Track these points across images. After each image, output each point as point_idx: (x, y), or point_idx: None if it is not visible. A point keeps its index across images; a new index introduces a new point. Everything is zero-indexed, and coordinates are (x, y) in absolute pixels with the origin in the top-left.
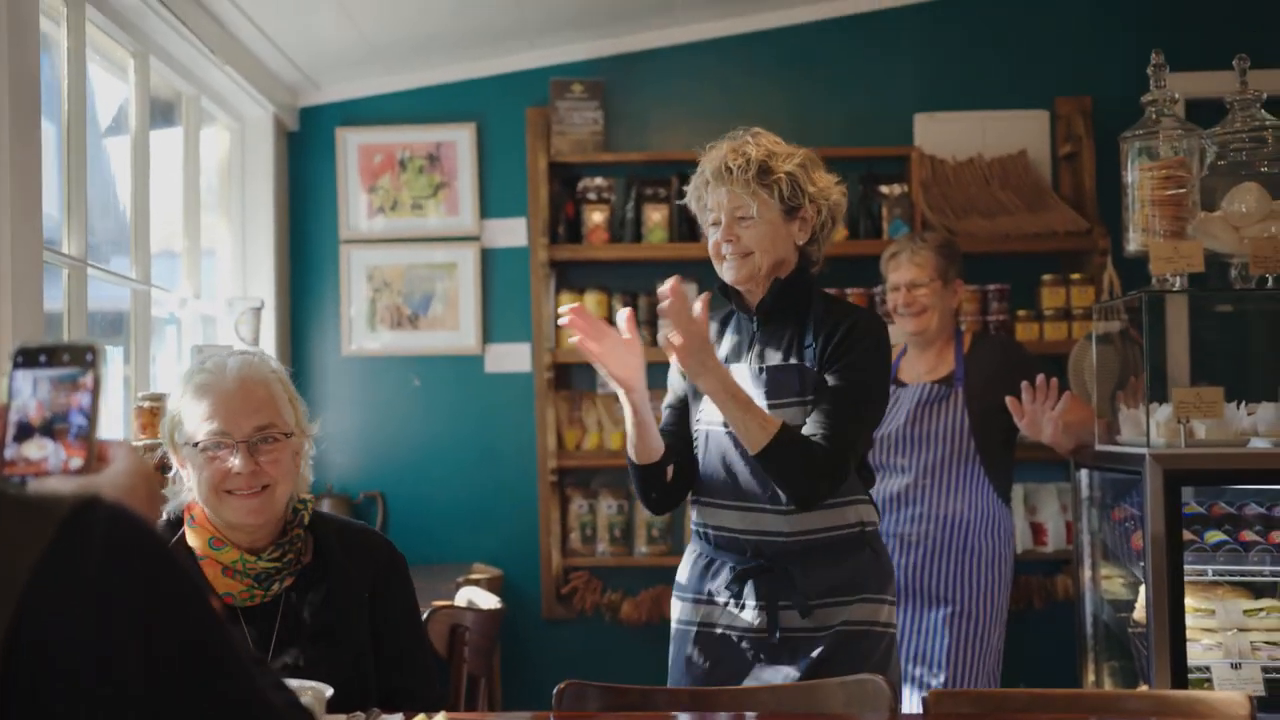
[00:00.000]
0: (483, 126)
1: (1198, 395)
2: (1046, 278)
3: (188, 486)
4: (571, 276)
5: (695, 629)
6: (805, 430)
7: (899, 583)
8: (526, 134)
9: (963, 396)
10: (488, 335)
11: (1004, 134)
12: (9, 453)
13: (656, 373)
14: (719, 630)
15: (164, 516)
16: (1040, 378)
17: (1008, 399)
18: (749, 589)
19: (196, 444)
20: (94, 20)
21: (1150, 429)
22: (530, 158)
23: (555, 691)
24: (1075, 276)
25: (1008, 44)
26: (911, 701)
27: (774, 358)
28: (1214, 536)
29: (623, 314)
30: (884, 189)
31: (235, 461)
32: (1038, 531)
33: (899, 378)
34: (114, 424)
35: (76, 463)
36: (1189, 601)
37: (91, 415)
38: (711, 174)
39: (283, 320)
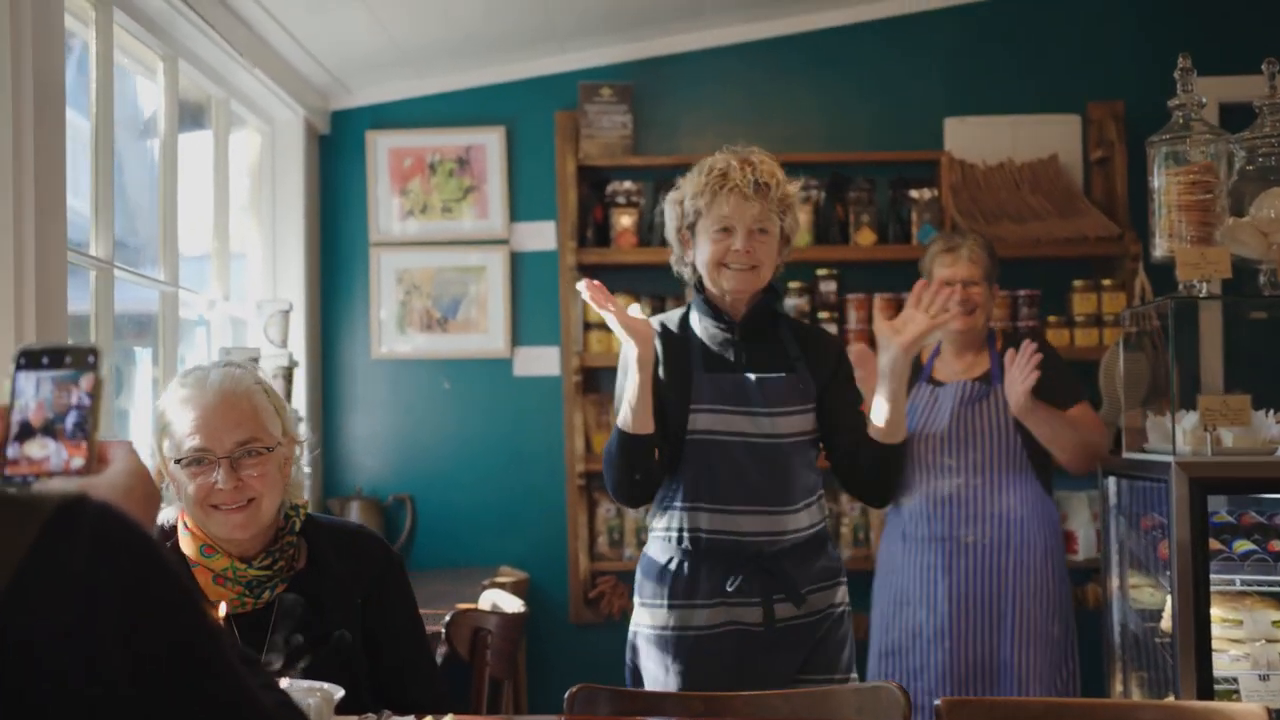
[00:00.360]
0: (512, 130)
1: (1224, 403)
2: (1077, 283)
3: (177, 496)
4: (600, 280)
5: (680, 634)
6: (849, 443)
7: (957, 588)
8: (555, 137)
9: (1002, 394)
10: (516, 338)
11: (1035, 138)
12: (11, 452)
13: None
14: (707, 631)
15: (159, 523)
16: (1025, 342)
17: (1008, 354)
18: (749, 588)
19: (179, 460)
20: (123, 24)
21: (1177, 437)
22: (559, 161)
23: (566, 696)
24: (1106, 282)
25: (1039, 48)
26: None
27: (766, 368)
28: (1242, 546)
29: (634, 307)
30: (913, 193)
31: (218, 477)
32: (1068, 539)
33: (934, 377)
34: (142, 425)
35: (78, 462)
36: (1216, 611)
37: (92, 416)
38: (747, 186)
39: (313, 323)
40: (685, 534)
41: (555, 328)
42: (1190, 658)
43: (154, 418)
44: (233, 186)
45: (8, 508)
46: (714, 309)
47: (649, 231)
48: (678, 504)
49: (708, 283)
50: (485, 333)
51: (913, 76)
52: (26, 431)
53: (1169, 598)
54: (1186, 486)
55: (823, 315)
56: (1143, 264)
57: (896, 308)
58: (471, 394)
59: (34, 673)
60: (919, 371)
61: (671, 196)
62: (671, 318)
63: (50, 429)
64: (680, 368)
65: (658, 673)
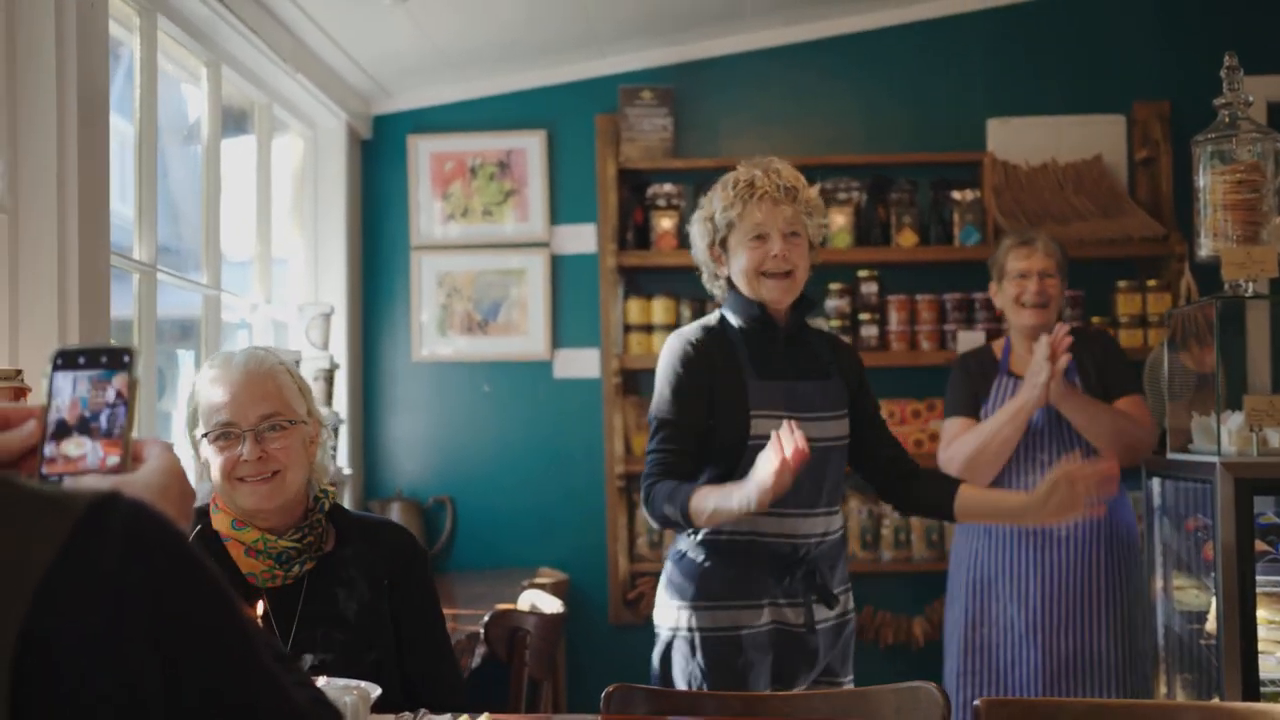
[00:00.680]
0: (553, 134)
1: (1271, 403)
2: (1122, 284)
3: (208, 475)
4: (640, 283)
5: (727, 634)
6: (880, 443)
7: (1050, 582)
8: (596, 141)
9: (1082, 388)
10: (557, 341)
11: (1079, 139)
12: (48, 451)
13: None
14: (753, 630)
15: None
16: (1058, 326)
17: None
18: (796, 589)
19: (206, 433)
20: (167, 31)
21: (1222, 437)
22: (600, 164)
23: (603, 695)
24: (1151, 283)
25: (1083, 48)
26: None
27: (807, 374)
28: None
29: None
30: (956, 195)
31: (244, 449)
32: None
33: (1011, 369)
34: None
35: (114, 460)
36: (1262, 613)
37: (128, 415)
38: (778, 191)
39: (354, 326)
40: (741, 537)
41: (595, 330)
42: (1236, 660)
43: (189, 403)
44: (275, 191)
45: (39, 504)
46: (760, 316)
47: (689, 234)
48: None
49: (748, 293)
50: (525, 335)
51: (954, 78)
52: (63, 430)
53: (1214, 599)
54: (1232, 487)
55: (864, 317)
56: (1188, 264)
57: (938, 309)
58: (512, 396)
59: (62, 673)
60: (996, 365)
61: (698, 216)
62: (711, 323)
63: (86, 428)
64: (731, 375)
65: (693, 672)
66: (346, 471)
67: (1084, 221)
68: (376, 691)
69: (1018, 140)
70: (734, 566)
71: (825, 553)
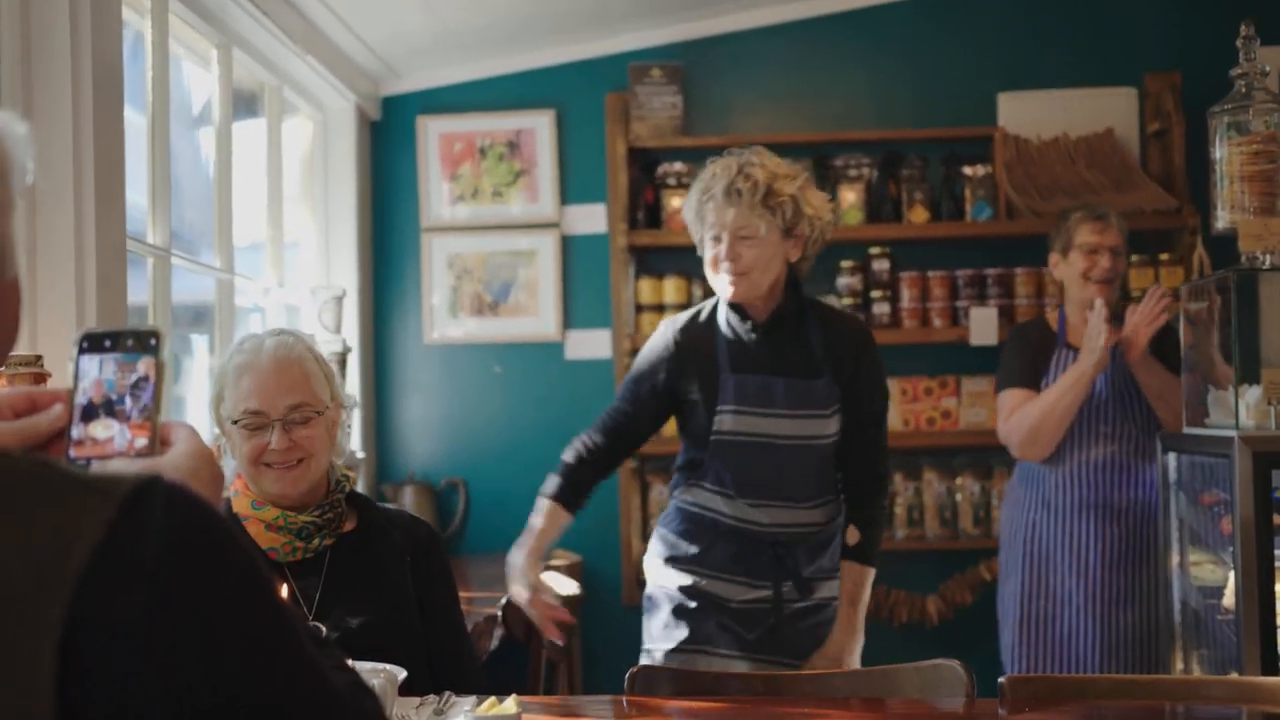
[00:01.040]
0: (562, 113)
1: None
2: (1135, 258)
3: (231, 455)
4: (651, 262)
5: (693, 597)
6: (856, 459)
7: (1111, 553)
8: (606, 120)
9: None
10: (568, 322)
11: (1090, 112)
12: (76, 433)
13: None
14: (719, 602)
15: None
16: (1152, 288)
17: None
18: (761, 571)
19: (236, 421)
20: (178, 13)
21: (1239, 411)
22: (609, 143)
23: (628, 675)
24: (1164, 256)
25: (1094, 20)
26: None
27: (792, 369)
28: None
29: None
30: (967, 170)
31: (272, 438)
32: None
33: (1069, 342)
34: (199, 411)
35: (142, 443)
36: (1278, 588)
37: (155, 398)
38: (721, 192)
39: (365, 309)
40: (707, 513)
41: (606, 310)
42: (1255, 634)
43: (214, 381)
44: (286, 174)
45: (82, 488)
46: (738, 308)
47: None
48: (706, 485)
49: (715, 289)
50: (536, 316)
51: (964, 52)
52: (90, 413)
53: (1231, 574)
54: (1250, 461)
55: (876, 294)
56: (1201, 237)
57: (950, 286)
58: (523, 378)
59: (107, 656)
60: (1054, 337)
61: (684, 211)
62: (704, 309)
63: (113, 410)
64: (707, 369)
65: (667, 623)
66: (360, 455)
67: (1096, 195)
68: (403, 674)
69: (1029, 114)
70: (705, 538)
71: (800, 541)
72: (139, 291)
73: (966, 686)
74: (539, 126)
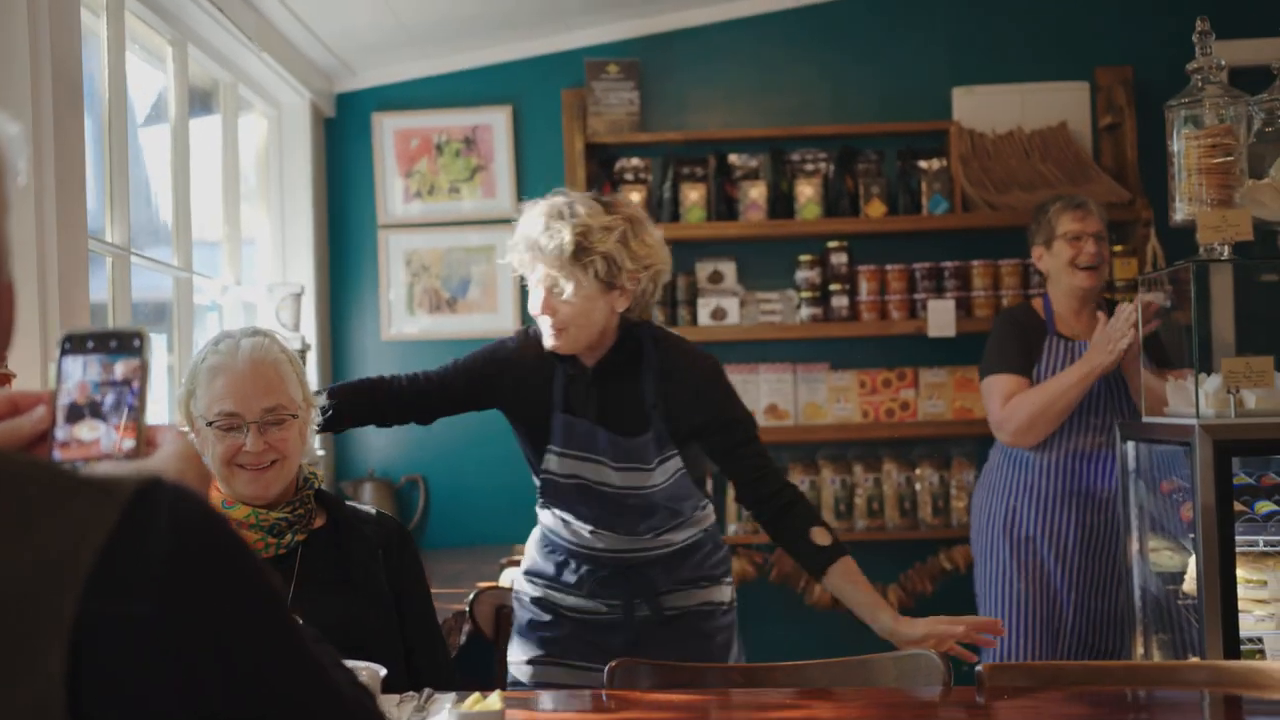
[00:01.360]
0: (519, 109)
1: (1247, 365)
2: None
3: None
4: None
5: (547, 610)
6: (745, 480)
7: (1090, 541)
8: (563, 115)
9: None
10: (526, 318)
11: (1044, 106)
12: (61, 435)
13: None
14: (571, 614)
15: None
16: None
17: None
18: (606, 591)
19: (210, 422)
20: (133, 10)
21: (1199, 400)
22: (567, 139)
23: (607, 669)
24: (1118, 248)
25: (1046, 15)
26: None
27: (620, 420)
28: (1264, 507)
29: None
30: (923, 164)
31: (247, 440)
32: None
33: (1059, 330)
34: (159, 410)
35: (128, 445)
36: (1240, 573)
37: (140, 399)
38: (526, 248)
39: (323, 306)
40: (551, 534)
41: None
42: (1216, 619)
43: (186, 377)
44: (241, 171)
45: (85, 489)
46: (566, 357)
47: (658, 207)
48: (550, 509)
49: None
50: (495, 312)
51: (919, 47)
52: (75, 414)
53: (1191, 560)
54: (1211, 449)
55: (834, 287)
56: (1154, 229)
57: (908, 279)
58: None
59: (116, 658)
60: (1042, 325)
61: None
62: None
63: (98, 412)
64: (540, 404)
65: (525, 635)
66: (320, 452)
67: (1051, 188)
68: (383, 671)
69: (983, 109)
70: (550, 554)
71: (652, 561)
72: (98, 290)
73: (943, 675)
74: (495, 122)
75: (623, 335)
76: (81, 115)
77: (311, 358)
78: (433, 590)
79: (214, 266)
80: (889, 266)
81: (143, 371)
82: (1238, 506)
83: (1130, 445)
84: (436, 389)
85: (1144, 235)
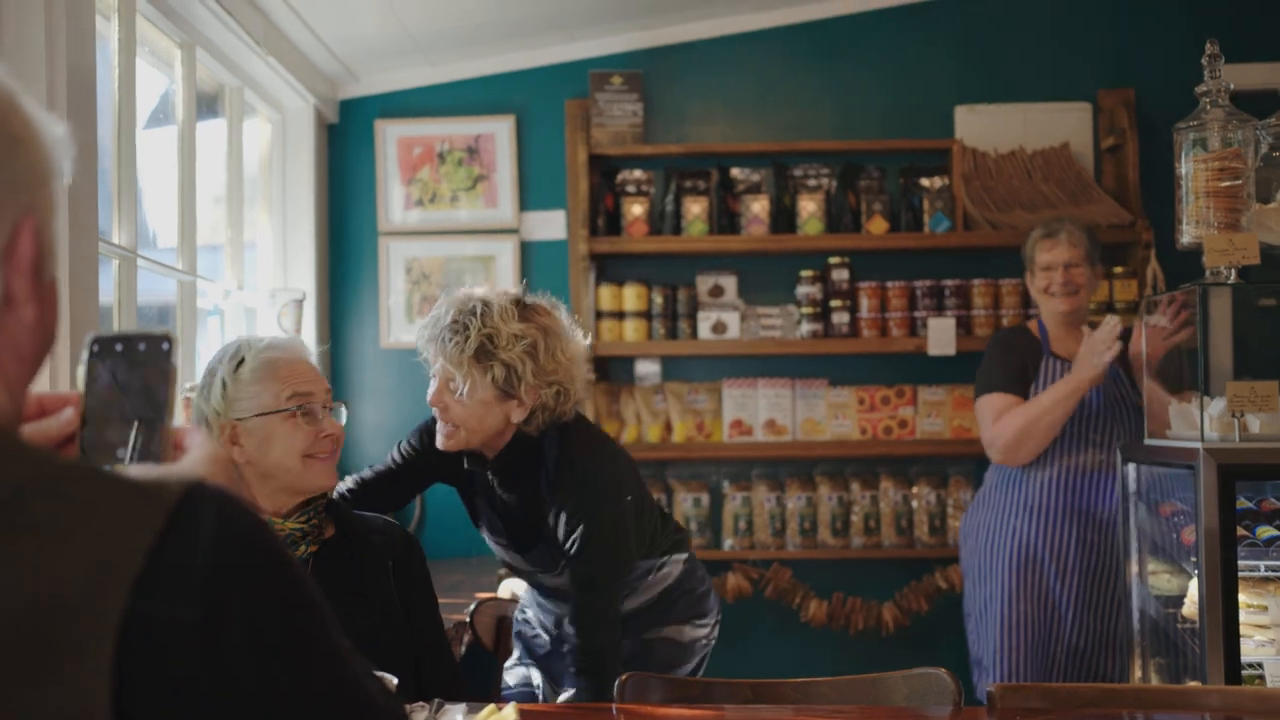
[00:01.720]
0: (522, 119)
1: (1252, 389)
2: None
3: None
4: (611, 269)
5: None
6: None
7: (1091, 560)
8: (566, 126)
9: (1126, 377)
10: None
11: (1046, 126)
12: (89, 436)
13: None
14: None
15: None
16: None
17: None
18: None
19: (279, 410)
20: (143, 12)
21: (1204, 423)
22: (569, 150)
23: (617, 683)
24: (1118, 270)
25: (1049, 36)
26: None
27: (514, 528)
28: (1265, 532)
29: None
30: (925, 181)
31: (324, 422)
32: None
33: (1053, 351)
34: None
35: (156, 447)
36: (1241, 597)
37: (168, 402)
38: (430, 338)
39: (322, 312)
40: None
41: None
42: (1218, 643)
43: (217, 392)
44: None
45: (130, 491)
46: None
47: (660, 220)
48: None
49: None
50: None
51: (923, 64)
52: (103, 417)
53: (1192, 583)
54: (1215, 473)
55: (835, 303)
56: (1154, 251)
57: (909, 296)
58: None
59: (160, 657)
60: (1038, 345)
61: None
62: None
63: (126, 415)
64: (470, 485)
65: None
66: None
67: (1052, 209)
68: (394, 681)
69: (986, 128)
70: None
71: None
72: (105, 292)
73: (954, 695)
74: (498, 132)
75: (518, 443)
76: (95, 118)
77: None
78: None
79: (215, 271)
80: (890, 283)
81: (171, 375)
82: (1239, 531)
83: (1131, 467)
84: (389, 478)
85: (1144, 257)
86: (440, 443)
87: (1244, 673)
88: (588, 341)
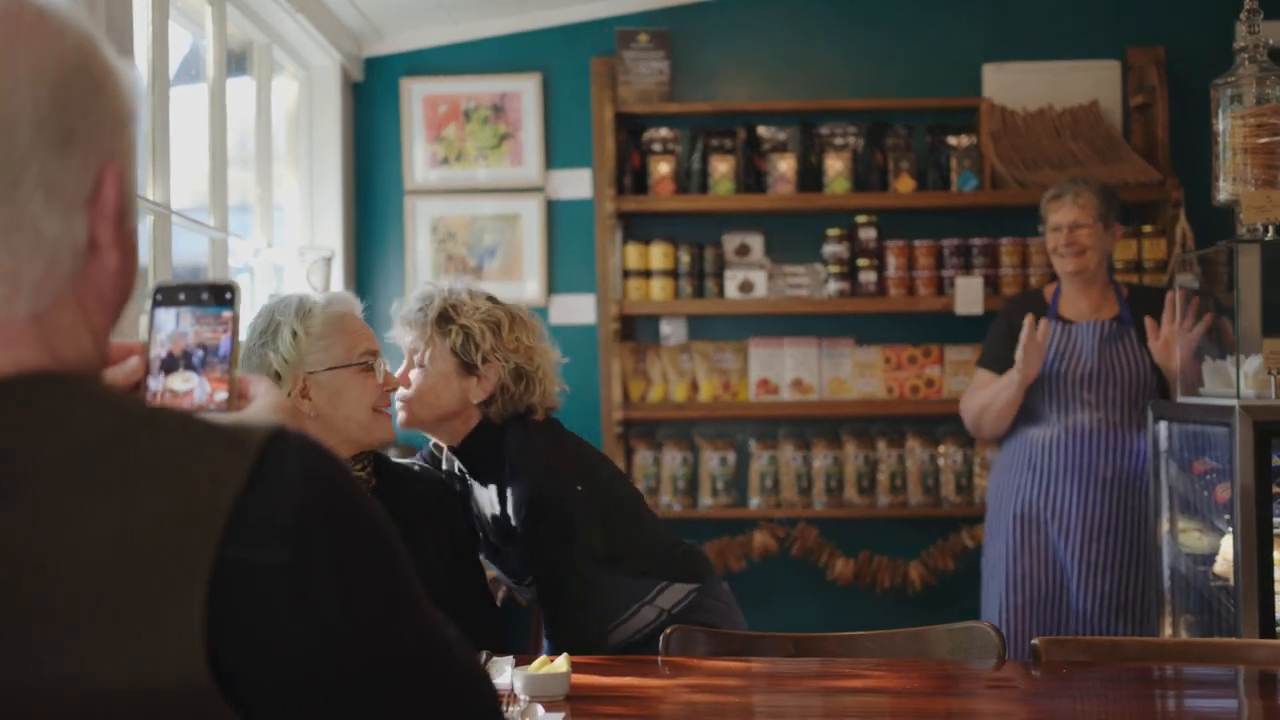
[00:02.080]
0: (548, 77)
1: None
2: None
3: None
4: (637, 227)
5: None
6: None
7: (1091, 519)
8: (592, 84)
9: (1136, 338)
10: (552, 286)
11: (1075, 84)
12: (154, 385)
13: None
14: None
15: None
16: (1174, 297)
17: (1145, 319)
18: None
19: (359, 364)
20: None
21: (1239, 380)
22: (596, 108)
23: (663, 636)
24: (1147, 229)
25: None
26: None
27: (499, 533)
28: None
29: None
30: (951, 140)
31: (393, 373)
32: None
33: (1061, 314)
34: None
35: (221, 396)
36: (1276, 554)
37: (232, 351)
38: (400, 320)
39: (349, 271)
40: None
41: (591, 276)
42: (1254, 600)
43: (288, 339)
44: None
45: (216, 437)
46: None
47: (686, 179)
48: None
49: None
50: (520, 281)
51: (950, 22)
52: (168, 366)
53: (1225, 541)
54: (1251, 430)
55: (862, 262)
56: (1184, 210)
57: (936, 255)
58: None
59: (251, 600)
60: (1044, 309)
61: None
62: None
63: (191, 363)
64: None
65: None
66: None
67: (1081, 167)
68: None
69: (1014, 86)
70: None
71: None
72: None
73: (998, 648)
74: (524, 90)
75: (481, 430)
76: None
77: None
78: None
79: (244, 228)
80: (917, 242)
81: (234, 323)
82: (1274, 489)
83: (1163, 425)
84: None
85: (1173, 216)
86: (399, 419)
87: (1279, 629)
88: (614, 298)
